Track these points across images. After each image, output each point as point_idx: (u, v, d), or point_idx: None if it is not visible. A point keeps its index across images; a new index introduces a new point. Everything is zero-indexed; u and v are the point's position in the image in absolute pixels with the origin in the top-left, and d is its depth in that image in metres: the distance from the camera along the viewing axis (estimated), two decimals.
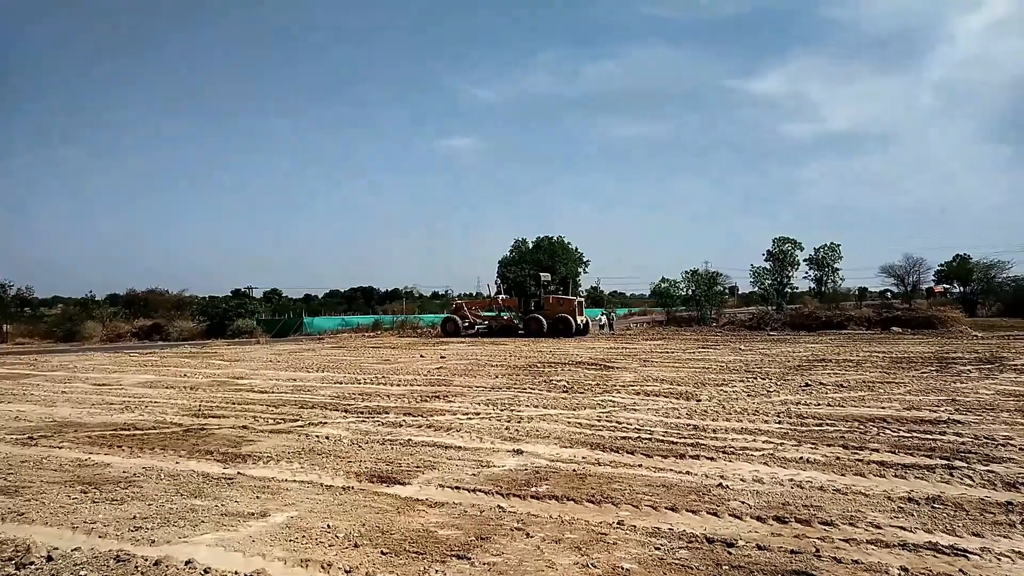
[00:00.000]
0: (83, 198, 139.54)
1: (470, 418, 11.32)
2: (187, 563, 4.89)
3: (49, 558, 5.04)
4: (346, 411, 12.35)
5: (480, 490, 6.96)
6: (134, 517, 6.29)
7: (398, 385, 16.32)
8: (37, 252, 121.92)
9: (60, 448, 9.60)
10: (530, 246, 76.44)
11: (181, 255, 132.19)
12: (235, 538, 5.61)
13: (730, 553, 4.98)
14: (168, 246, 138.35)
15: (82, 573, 4.76)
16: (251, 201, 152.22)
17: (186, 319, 54.17)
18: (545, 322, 38.50)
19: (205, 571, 4.76)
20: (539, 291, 41.11)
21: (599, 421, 10.78)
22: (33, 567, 4.95)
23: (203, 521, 6.15)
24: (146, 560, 4.97)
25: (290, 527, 5.89)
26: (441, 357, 24.73)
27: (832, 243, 65.28)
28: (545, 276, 43.59)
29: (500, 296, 43.07)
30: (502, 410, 12.01)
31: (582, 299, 42.26)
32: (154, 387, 16.99)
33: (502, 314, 41.62)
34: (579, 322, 38.74)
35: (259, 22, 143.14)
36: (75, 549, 5.28)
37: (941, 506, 6.11)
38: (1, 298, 54.91)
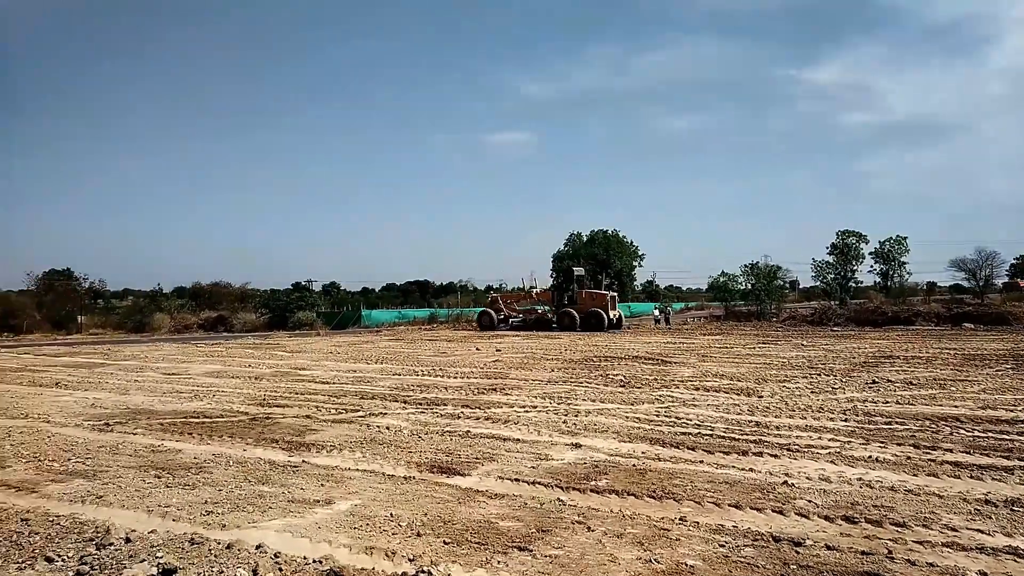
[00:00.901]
0: (150, 196, 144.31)
1: (527, 411, 11.33)
2: (258, 547, 5.02)
3: (128, 539, 5.25)
4: (405, 402, 12.51)
5: (540, 483, 6.96)
6: (205, 502, 6.51)
7: (455, 377, 16.45)
8: (108, 246, 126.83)
9: (134, 434, 9.98)
10: (584, 239, 76.12)
11: (244, 250, 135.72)
12: (302, 524, 5.75)
13: (798, 552, 4.86)
14: (232, 242, 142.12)
15: (159, 554, 4.93)
16: (310, 196, 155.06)
17: (249, 311, 55.76)
18: (577, 316, 38.37)
19: (275, 555, 4.88)
20: (571, 285, 40.98)
21: (658, 416, 10.66)
22: (113, 548, 5.16)
23: (271, 507, 6.31)
24: (219, 543, 5.12)
25: (354, 515, 6.00)
26: (497, 350, 24.83)
27: (898, 236, 62.98)
28: (578, 270, 43.33)
29: (534, 290, 43.14)
30: (559, 403, 11.99)
31: (615, 294, 41.89)
32: (221, 377, 17.54)
33: (536, 308, 41.72)
34: (612, 316, 38.50)
35: (309, 19, 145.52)
36: (151, 531, 5.48)
37: (1021, 509, 5.84)
38: (76, 291, 57.19)
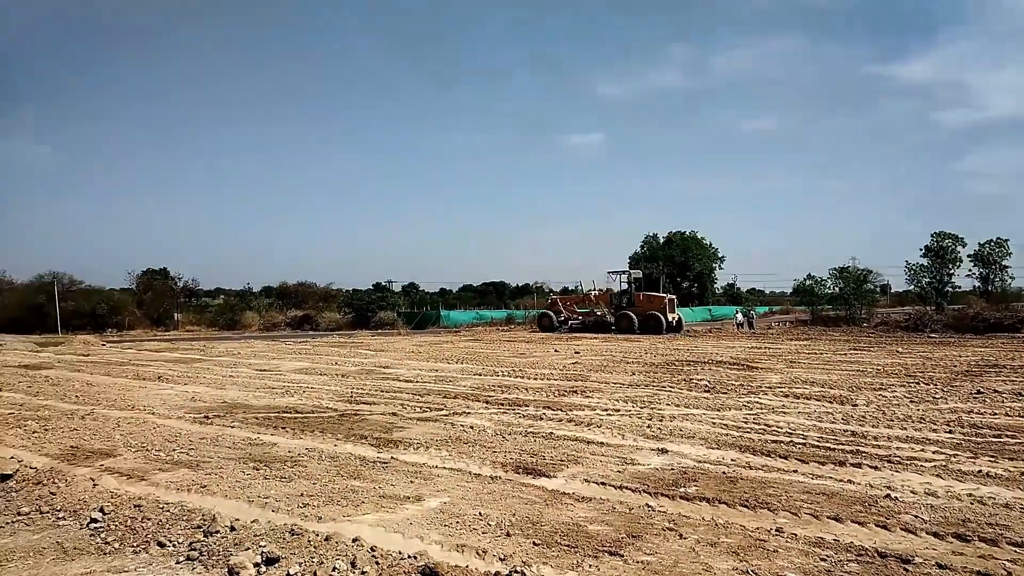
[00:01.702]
0: (242, 198, 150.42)
1: (610, 414, 11.24)
2: (354, 540, 5.16)
3: (232, 528, 5.49)
4: (487, 402, 12.62)
5: (627, 487, 6.89)
6: (301, 494, 6.74)
7: (535, 379, 16.49)
8: (201, 247, 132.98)
9: (232, 428, 10.42)
10: (660, 241, 74.92)
11: (325, 250, 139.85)
12: (394, 520, 5.88)
13: (906, 570, 4.63)
14: (313, 242, 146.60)
15: (262, 543, 5.14)
16: (390, 198, 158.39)
17: (333, 311, 57.52)
18: (636, 319, 37.86)
19: (371, 549, 5.00)
20: (630, 287, 40.40)
21: (746, 423, 10.39)
22: (219, 535, 5.41)
23: (363, 502, 6.49)
24: (317, 535, 5.30)
25: (444, 512, 6.09)
26: (575, 352, 24.76)
27: (999, 239, 59.30)
28: (636, 272, 42.68)
29: (593, 292, 42.74)
30: (642, 407, 11.84)
31: (673, 296, 41.02)
32: (309, 374, 18.14)
33: (595, 310, 41.40)
34: (670, 319, 37.80)
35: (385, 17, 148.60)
36: (253, 521, 5.72)
37: None
38: (172, 289, 60.27)
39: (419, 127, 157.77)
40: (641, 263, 66.09)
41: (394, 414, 11.46)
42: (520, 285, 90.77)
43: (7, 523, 6.12)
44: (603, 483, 7.08)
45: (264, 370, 19.26)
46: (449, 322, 53.98)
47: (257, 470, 7.78)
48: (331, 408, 12.16)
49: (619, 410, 11.62)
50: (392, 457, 8.36)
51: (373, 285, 70.89)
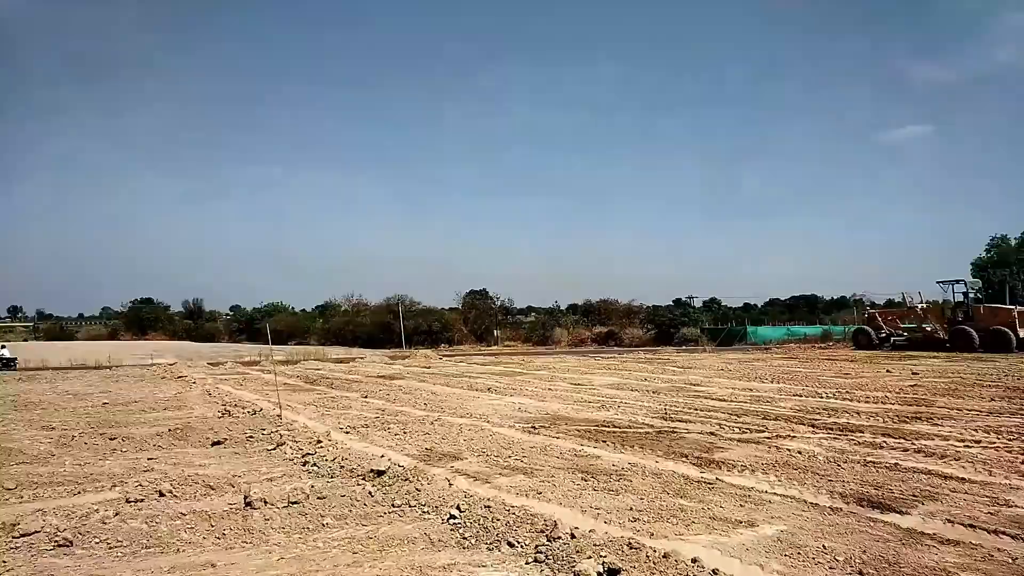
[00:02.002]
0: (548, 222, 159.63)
1: (968, 446, 9.77)
2: (693, 561, 5.12)
3: (572, 535, 5.78)
4: (813, 426, 11.75)
5: (1004, 532, 5.91)
6: (630, 508, 6.89)
7: (866, 402, 14.95)
8: (512, 268, 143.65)
9: (557, 439, 11.04)
10: (1013, 244, 63.45)
11: (626, 265, 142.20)
12: (729, 543, 5.73)
13: None
14: (612, 257, 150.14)
15: (602, 553, 5.33)
16: (684, 210, 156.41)
17: (635, 327, 58.44)
18: (975, 335, 31.78)
19: (713, 572, 4.92)
20: (966, 299, 34.13)
21: None
22: (561, 541, 5.73)
23: (694, 521, 6.42)
24: (654, 551, 5.35)
25: (781, 541, 5.78)
26: (913, 373, 21.98)
27: None
28: (973, 282, 35.91)
29: (920, 305, 36.75)
30: (1011, 440, 10.10)
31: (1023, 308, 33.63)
32: (621, 389, 18.56)
33: (923, 325, 35.56)
34: (1021, 335, 31.07)
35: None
36: (591, 531, 5.96)
37: None
38: (492, 308, 66.17)
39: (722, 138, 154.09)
40: (990, 270, 56.82)
41: (712, 434, 11.20)
42: (835, 298, 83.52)
43: (386, 513, 7.15)
44: (971, 525, 6.15)
45: (578, 384, 20.15)
46: (757, 338, 51.51)
47: (585, 481, 8.13)
48: (647, 424, 12.28)
49: (980, 442, 10.04)
50: (717, 478, 8.17)
51: (673, 301, 70.58)
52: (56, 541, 6.29)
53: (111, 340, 70.46)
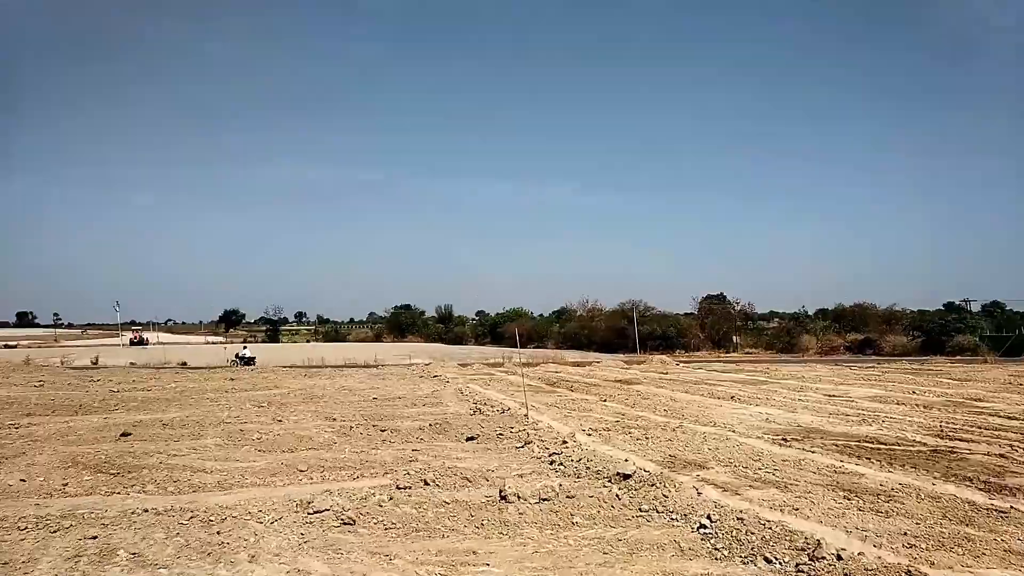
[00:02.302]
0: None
1: None
2: None
3: (839, 557, 5.37)
4: None
5: None
6: (904, 533, 6.24)
7: None
8: (752, 273, 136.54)
9: (812, 452, 10.31)
10: None
11: (888, 267, 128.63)
12: None
13: None
14: (863, 258, 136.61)
15: None
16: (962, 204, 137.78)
17: (897, 334, 52.64)
18: None
19: None
20: None
21: None
22: (825, 562, 5.35)
23: (984, 553, 5.69)
24: None
25: None
26: None
27: None
28: None
29: None
30: None
31: None
32: (884, 402, 16.86)
33: None
34: None
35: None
36: (859, 553, 5.50)
37: None
38: (730, 313, 63.47)
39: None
40: None
41: (1002, 456, 9.79)
42: None
43: (633, 516, 7.17)
44: None
45: (832, 395, 18.64)
46: None
47: (848, 500, 7.50)
48: (918, 442, 11.04)
49: None
50: (1011, 507, 7.11)
51: (944, 305, 62.66)
52: (342, 519, 7.13)
53: (375, 342, 78.33)
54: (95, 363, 35.74)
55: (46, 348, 60.34)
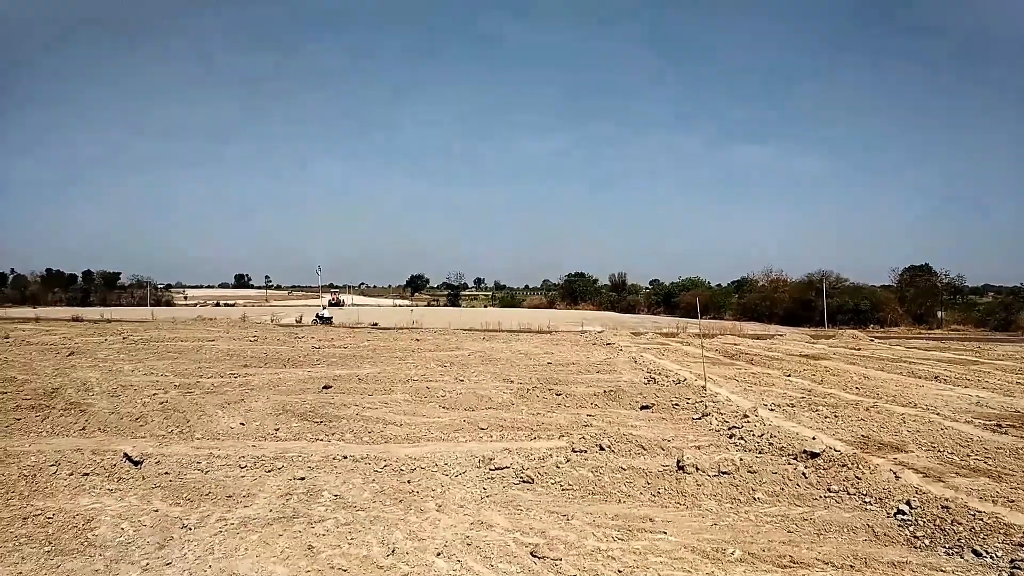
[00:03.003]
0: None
1: None
2: None
3: None
4: None
5: None
6: None
7: None
8: (960, 242, 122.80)
9: None
10: None
11: None
12: None
13: None
14: None
15: None
16: None
17: None
18: None
19: None
20: None
21: None
22: None
23: None
24: None
25: None
26: None
27: None
28: None
29: None
30: None
31: None
32: None
33: None
34: None
35: None
36: None
37: None
38: (935, 286, 57.72)
39: None
40: None
41: None
42: None
43: (821, 496, 6.83)
44: None
45: None
46: None
47: None
48: None
49: None
50: None
51: None
52: (521, 477, 7.42)
53: (549, 308, 79.60)
54: (299, 322, 39.48)
55: (258, 307, 67.48)
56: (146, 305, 64.41)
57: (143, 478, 7.18)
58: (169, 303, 77.98)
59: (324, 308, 47.67)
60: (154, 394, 11.84)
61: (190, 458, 7.91)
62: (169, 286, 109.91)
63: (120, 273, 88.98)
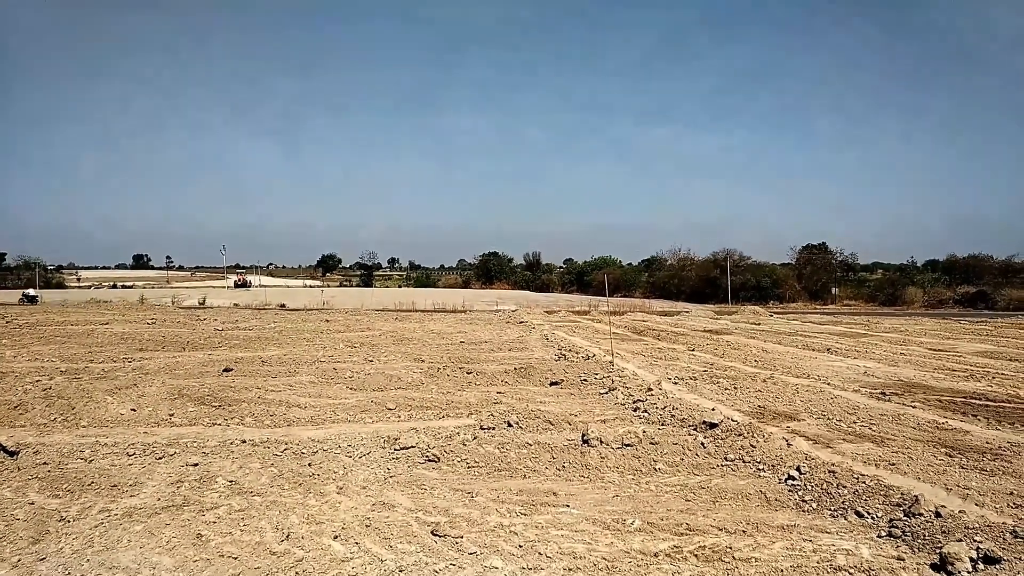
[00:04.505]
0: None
1: None
2: None
3: (937, 514, 5.10)
4: None
5: None
6: (1011, 493, 5.86)
7: None
8: (857, 220, 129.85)
9: (912, 407, 9.82)
10: None
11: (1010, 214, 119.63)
12: None
13: None
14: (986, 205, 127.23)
15: (976, 538, 4.63)
16: None
17: (1016, 287, 49.16)
18: None
19: None
20: None
21: None
22: (922, 519, 5.09)
23: None
24: None
25: None
26: None
27: None
28: None
29: None
30: None
31: None
32: (996, 358, 15.85)
33: None
34: None
35: None
36: (960, 511, 5.20)
37: None
38: (830, 264, 60.77)
39: None
40: None
41: None
42: None
43: (719, 465, 7.05)
44: None
45: (938, 350, 17.67)
46: None
47: (950, 457, 7.11)
48: None
49: None
50: None
51: None
52: (427, 456, 7.32)
53: (464, 288, 79.56)
54: (202, 304, 37.89)
55: (159, 289, 64.43)
56: (34, 287, 60.46)
57: (19, 469, 6.68)
58: (60, 285, 73.60)
59: (30, 289, 45.22)
60: (37, 380, 11.11)
61: (73, 447, 7.42)
62: (61, 267, 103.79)
63: (5, 253, 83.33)
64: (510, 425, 8.51)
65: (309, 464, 7.01)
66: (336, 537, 4.98)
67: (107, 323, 22.90)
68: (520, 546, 4.89)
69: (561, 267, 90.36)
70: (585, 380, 12.21)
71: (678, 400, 9.97)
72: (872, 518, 5.35)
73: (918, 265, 67.09)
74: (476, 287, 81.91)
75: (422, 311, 35.31)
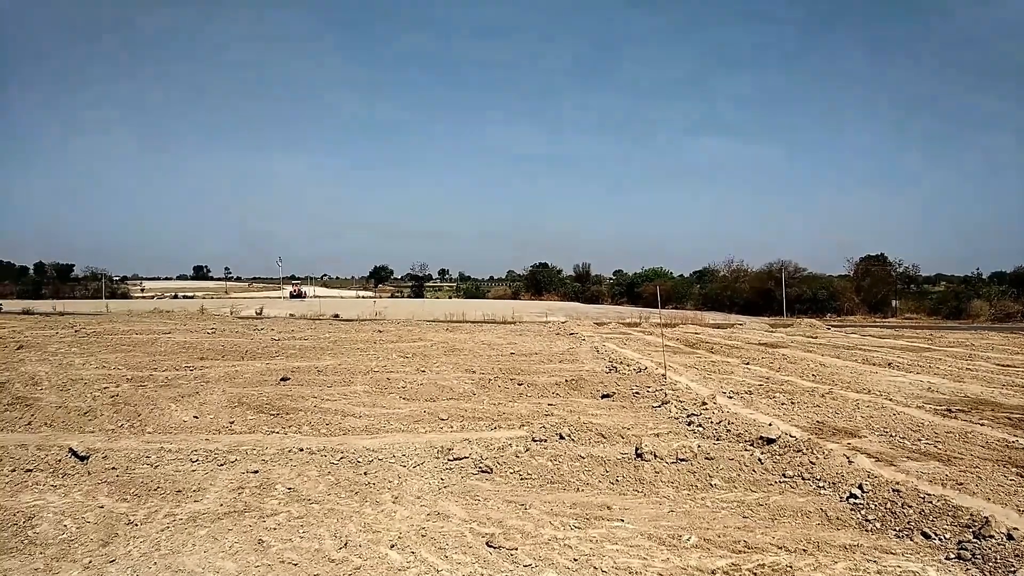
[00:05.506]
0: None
1: None
2: None
3: (1010, 536, 4.91)
4: None
5: None
6: None
7: None
8: (919, 232, 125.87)
9: (980, 425, 9.46)
10: None
11: None
12: None
13: None
14: None
15: None
16: None
17: None
18: None
19: None
20: None
21: None
22: (993, 540, 4.91)
23: None
24: None
25: None
26: None
27: None
28: None
29: None
30: None
31: None
32: None
33: None
34: None
35: None
36: None
37: None
38: (890, 275, 59.01)
39: None
40: None
41: None
42: None
43: (777, 482, 6.91)
44: None
45: (1007, 365, 16.99)
46: None
47: (1022, 477, 6.82)
48: None
49: None
50: None
51: None
52: (480, 467, 7.36)
53: (513, 299, 79.74)
54: (259, 314, 38.86)
55: (218, 299, 66.29)
56: (101, 298, 62.81)
57: (89, 473, 6.97)
58: (125, 295, 76.22)
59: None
60: (105, 388, 11.52)
61: (139, 452, 7.70)
62: (125, 278, 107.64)
63: (74, 265, 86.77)
64: (562, 437, 8.50)
65: (365, 473, 7.12)
66: (393, 546, 5.05)
67: (169, 332, 23.65)
68: (575, 559, 4.88)
69: (611, 278, 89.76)
70: (637, 393, 12.11)
71: (733, 415, 9.80)
72: (940, 539, 5.17)
73: (984, 277, 64.71)
74: (525, 298, 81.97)
75: (472, 322, 35.51)
